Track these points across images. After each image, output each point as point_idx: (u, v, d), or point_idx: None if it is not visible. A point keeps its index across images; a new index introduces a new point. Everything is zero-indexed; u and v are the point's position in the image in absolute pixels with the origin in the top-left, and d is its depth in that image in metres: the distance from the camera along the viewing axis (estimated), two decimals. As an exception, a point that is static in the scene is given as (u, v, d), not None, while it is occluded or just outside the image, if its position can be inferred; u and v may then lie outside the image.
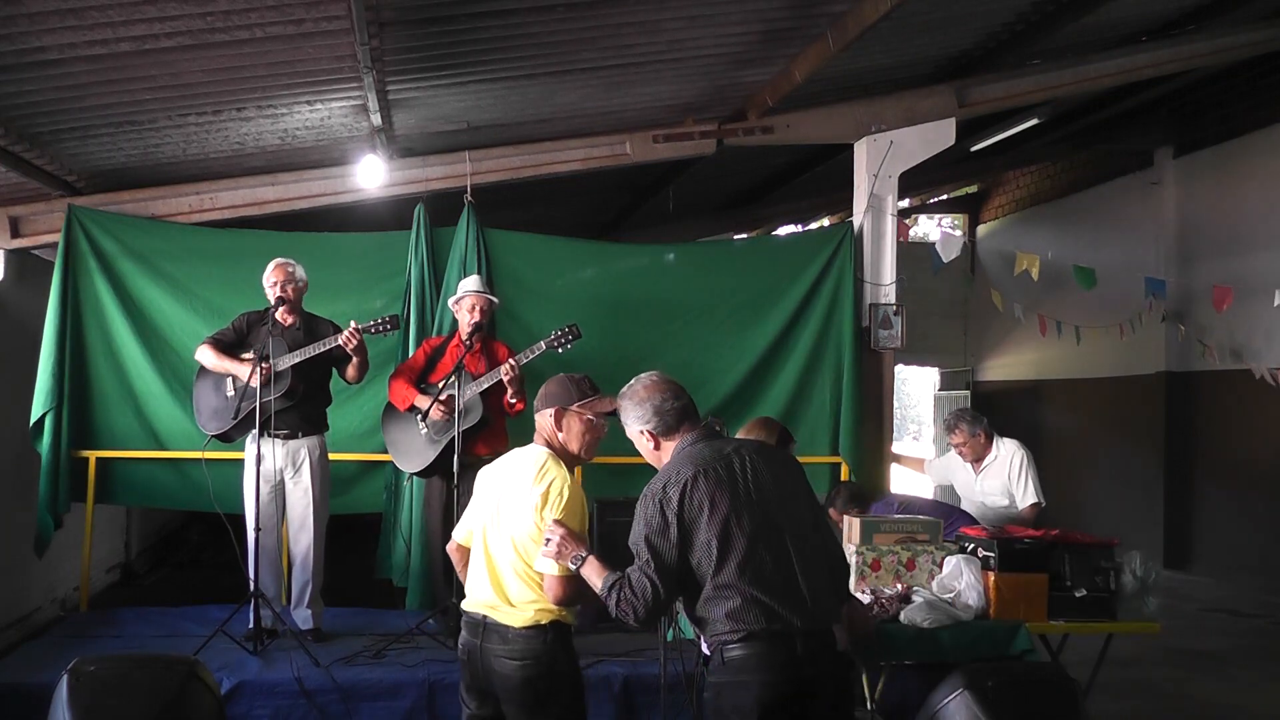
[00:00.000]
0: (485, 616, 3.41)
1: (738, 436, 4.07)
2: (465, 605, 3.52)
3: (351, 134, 6.15)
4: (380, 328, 5.35)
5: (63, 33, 4.16)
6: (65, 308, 6.14)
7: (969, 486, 6.15)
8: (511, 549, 3.38)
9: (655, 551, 2.98)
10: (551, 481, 3.35)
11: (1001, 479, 6.02)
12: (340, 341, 5.19)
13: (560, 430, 3.48)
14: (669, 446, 3.18)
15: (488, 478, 3.59)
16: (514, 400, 5.41)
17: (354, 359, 5.29)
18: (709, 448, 3.10)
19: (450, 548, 3.72)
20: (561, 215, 11.10)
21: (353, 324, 5.22)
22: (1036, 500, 5.95)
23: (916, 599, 4.49)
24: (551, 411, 3.48)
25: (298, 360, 5.21)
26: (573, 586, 3.24)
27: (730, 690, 2.91)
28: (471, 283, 5.73)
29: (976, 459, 6.09)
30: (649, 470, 6.85)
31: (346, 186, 6.67)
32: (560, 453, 3.47)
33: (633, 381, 3.29)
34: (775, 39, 5.82)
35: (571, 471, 3.44)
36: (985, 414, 6.29)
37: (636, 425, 3.22)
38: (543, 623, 3.33)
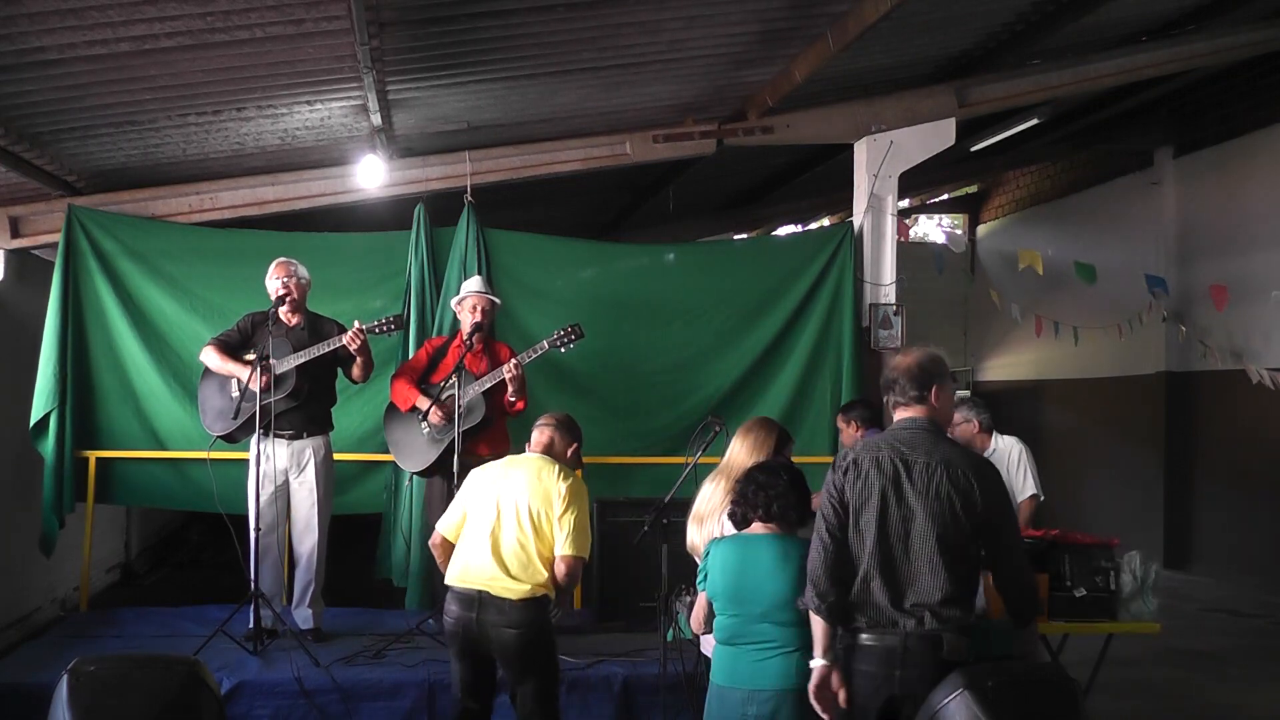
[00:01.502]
0: (481, 591, 3.89)
1: (736, 439, 4.08)
2: (457, 581, 3.98)
3: (351, 134, 6.15)
4: (383, 328, 5.36)
5: (63, 33, 4.15)
6: (66, 308, 6.14)
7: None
8: (529, 529, 3.93)
9: (824, 514, 3.22)
10: (571, 480, 4.05)
11: (1001, 474, 6.03)
12: (344, 341, 5.20)
13: (569, 457, 4.21)
14: (897, 418, 3.31)
15: (485, 477, 4.15)
16: (514, 399, 5.41)
17: (357, 359, 5.30)
18: (912, 437, 3.20)
19: (435, 541, 4.16)
20: (561, 215, 11.10)
21: (356, 324, 5.23)
22: (1035, 493, 5.96)
23: (916, 599, 4.48)
24: (575, 445, 4.25)
25: (302, 360, 5.21)
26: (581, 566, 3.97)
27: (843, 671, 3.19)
28: (474, 283, 5.74)
29: (966, 443, 6.12)
30: (649, 471, 6.87)
31: (346, 186, 6.66)
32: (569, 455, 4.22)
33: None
34: (775, 39, 5.82)
35: None
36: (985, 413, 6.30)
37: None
38: (537, 596, 3.90)
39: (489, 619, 3.86)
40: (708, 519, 3.93)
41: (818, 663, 3.15)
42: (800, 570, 3.34)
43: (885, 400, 3.35)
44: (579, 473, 4.19)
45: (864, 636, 3.12)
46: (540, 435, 4.21)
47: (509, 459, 4.25)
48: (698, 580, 3.61)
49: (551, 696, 4.05)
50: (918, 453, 3.16)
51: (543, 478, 4.01)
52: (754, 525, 3.54)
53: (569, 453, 4.20)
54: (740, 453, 3.98)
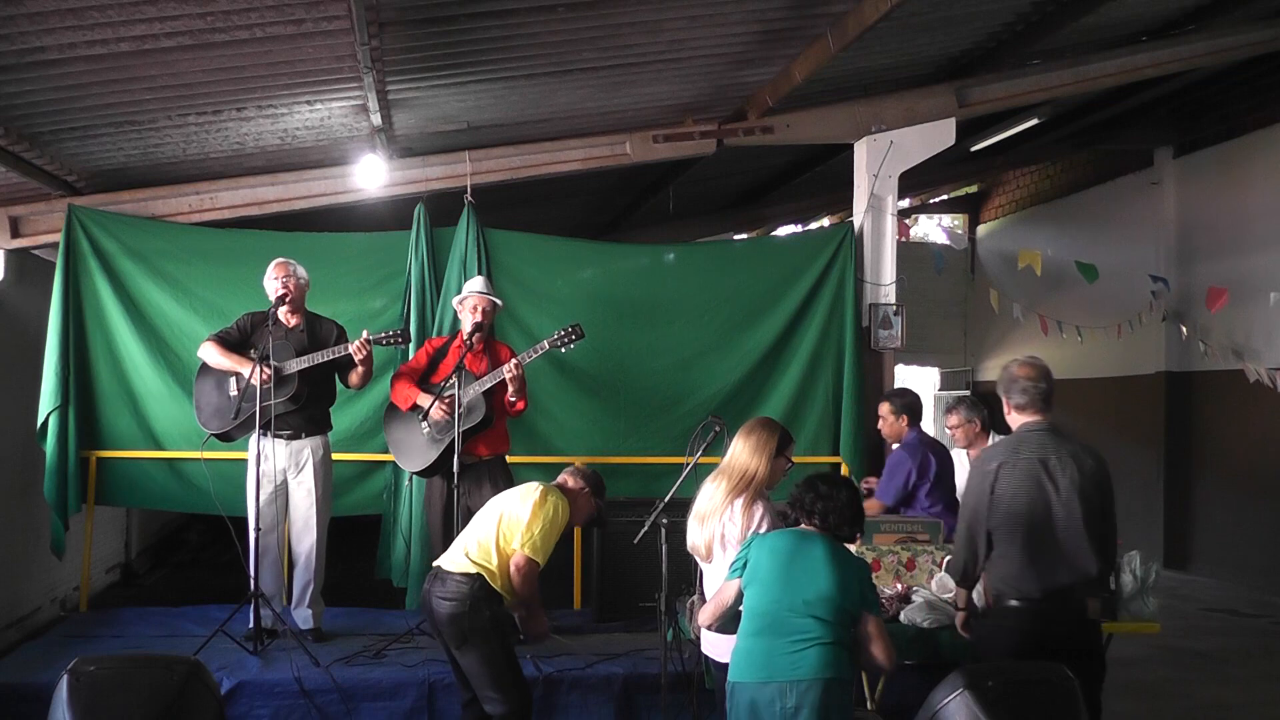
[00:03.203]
0: (437, 567, 4.24)
1: (737, 439, 4.08)
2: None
3: (351, 134, 6.15)
4: (390, 340, 5.37)
5: (63, 33, 4.16)
6: (67, 308, 6.14)
7: (965, 483, 6.17)
8: (494, 524, 4.24)
9: (973, 505, 3.86)
10: (550, 497, 4.31)
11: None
12: (351, 350, 5.20)
13: (579, 506, 4.51)
14: (1017, 420, 3.96)
15: (497, 498, 4.48)
16: (514, 399, 5.41)
17: (359, 367, 5.30)
18: (1042, 438, 3.87)
19: None
20: (561, 215, 11.10)
21: (365, 334, 5.22)
22: None
23: (916, 599, 4.50)
24: (590, 495, 4.56)
25: (305, 366, 5.21)
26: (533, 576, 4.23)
27: (994, 632, 3.84)
28: (477, 284, 5.73)
29: (968, 445, 6.13)
30: (649, 471, 6.88)
31: (346, 186, 6.66)
32: (571, 504, 4.46)
33: (1017, 359, 4.09)
34: (775, 39, 5.82)
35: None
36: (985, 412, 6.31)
37: (1001, 392, 4.03)
38: (470, 572, 4.12)
39: (434, 590, 4.16)
40: (709, 518, 3.93)
41: (959, 613, 4.02)
42: (846, 577, 3.47)
43: (1006, 399, 3.97)
44: (569, 501, 4.42)
45: (1021, 603, 3.75)
46: (561, 476, 4.63)
47: (532, 484, 4.54)
48: (731, 570, 3.62)
49: (498, 674, 4.09)
50: (1048, 450, 3.84)
51: (530, 491, 4.34)
52: (804, 526, 3.64)
53: (579, 494, 4.51)
54: (742, 453, 3.98)
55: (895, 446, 5.88)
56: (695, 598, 4.17)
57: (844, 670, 3.44)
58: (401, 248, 6.52)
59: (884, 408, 5.94)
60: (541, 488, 4.35)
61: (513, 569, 4.17)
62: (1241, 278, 9.35)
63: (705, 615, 3.72)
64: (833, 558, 3.50)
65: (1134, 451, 10.95)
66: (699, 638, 4.04)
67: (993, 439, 6.12)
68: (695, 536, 4.00)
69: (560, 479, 4.59)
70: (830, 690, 3.38)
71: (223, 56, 4.68)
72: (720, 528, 3.89)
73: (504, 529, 4.23)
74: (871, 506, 5.57)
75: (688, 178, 9.03)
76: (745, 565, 3.57)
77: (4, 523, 6.19)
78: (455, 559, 4.22)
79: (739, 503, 3.89)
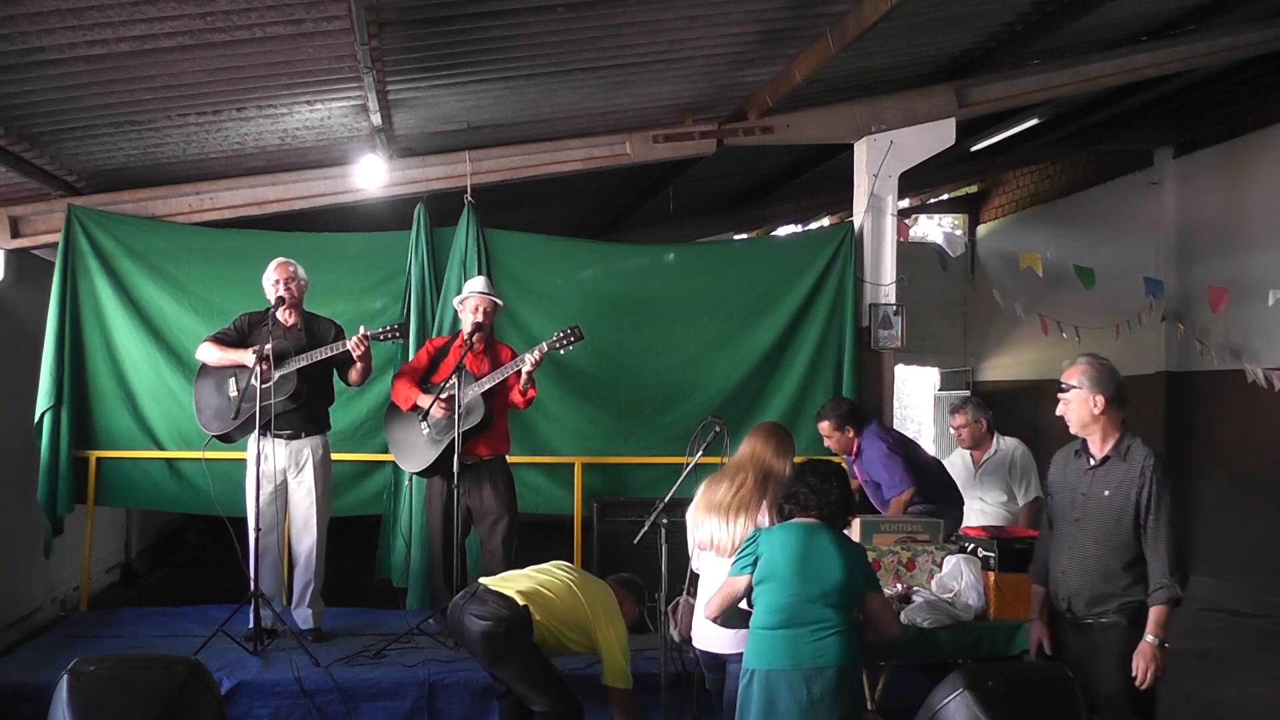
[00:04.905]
0: (481, 585, 4.23)
1: (758, 439, 4.15)
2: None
3: (351, 134, 6.15)
4: (387, 335, 5.37)
5: (63, 33, 4.16)
6: (65, 307, 6.14)
7: (968, 483, 6.17)
8: (560, 585, 4.27)
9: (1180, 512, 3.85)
10: (605, 600, 4.33)
11: (1001, 475, 6.06)
12: (349, 347, 5.20)
13: (626, 613, 4.41)
14: (1115, 418, 3.93)
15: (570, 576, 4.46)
16: (525, 388, 5.37)
17: (358, 364, 5.31)
18: None
19: None
20: (561, 215, 11.10)
21: (362, 329, 5.22)
22: (1038, 495, 6.00)
23: (916, 599, 4.49)
24: (635, 604, 4.50)
25: (304, 364, 5.21)
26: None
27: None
28: (478, 284, 5.72)
29: (974, 445, 6.13)
30: (647, 471, 6.87)
31: (346, 186, 6.66)
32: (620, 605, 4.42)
33: (1098, 356, 4.09)
34: (775, 39, 5.82)
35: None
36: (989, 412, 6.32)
37: (1096, 389, 3.94)
38: (519, 602, 4.11)
39: (470, 608, 4.13)
40: (737, 514, 4.04)
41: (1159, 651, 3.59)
42: (853, 563, 3.61)
43: (1107, 396, 3.92)
44: (620, 607, 4.37)
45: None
46: (609, 580, 4.61)
47: (594, 578, 4.59)
48: (740, 565, 3.66)
49: (539, 681, 4.13)
50: None
51: (590, 579, 4.46)
52: (800, 519, 3.72)
53: (627, 602, 4.44)
54: (764, 452, 4.17)
55: (854, 456, 5.77)
56: (683, 598, 4.19)
57: (858, 656, 3.61)
58: (401, 248, 6.52)
59: (824, 426, 5.78)
60: (602, 619, 4.26)
61: (614, 711, 4.27)
62: (1241, 278, 9.34)
63: (712, 607, 3.77)
64: (840, 547, 3.64)
65: (1134, 451, 10.92)
66: (686, 640, 4.09)
67: (997, 439, 6.13)
68: (718, 533, 4.00)
69: (637, 598, 4.58)
70: (848, 676, 3.54)
71: (223, 56, 4.68)
72: (755, 522, 3.94)
73: (569, 615, 4.23)
74: (897, 505, 5.46)
75: (688, 178, 9.03)
76: (755, 561, 3.63)
77: (4, 523, 6.19)
78: (503, 585, 4.23)
79: (766, 502, 4.00)
